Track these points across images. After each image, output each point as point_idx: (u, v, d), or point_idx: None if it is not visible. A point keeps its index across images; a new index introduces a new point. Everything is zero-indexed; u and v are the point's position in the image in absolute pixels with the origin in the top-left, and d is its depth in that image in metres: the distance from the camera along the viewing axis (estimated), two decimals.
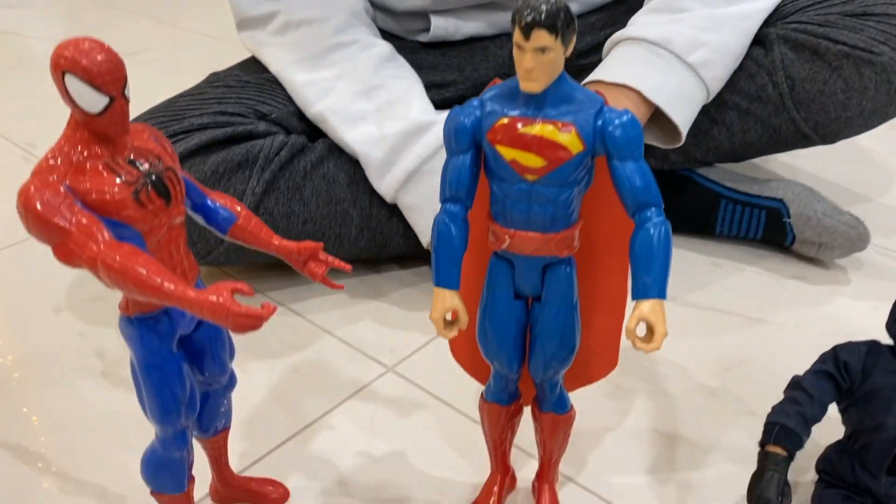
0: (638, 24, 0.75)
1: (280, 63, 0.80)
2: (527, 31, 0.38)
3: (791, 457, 0.50)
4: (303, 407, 0.65)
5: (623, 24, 0.78)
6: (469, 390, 0.66)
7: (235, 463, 0.59)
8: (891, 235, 0.87)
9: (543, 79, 0.39)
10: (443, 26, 0.90)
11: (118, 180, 0.38)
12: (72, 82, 0.36)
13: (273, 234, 0.46)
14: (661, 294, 0.41)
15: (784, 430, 0.50)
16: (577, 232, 0.44)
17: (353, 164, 0.77)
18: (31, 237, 0.37)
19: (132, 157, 0.39)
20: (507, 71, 0.95)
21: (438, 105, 0.94)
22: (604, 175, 0.44)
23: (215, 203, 0.45)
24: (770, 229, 0.83)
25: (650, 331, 0.41)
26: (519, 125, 0.41)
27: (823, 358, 0.52)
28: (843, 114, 0.76)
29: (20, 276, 0.84)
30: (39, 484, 0.58)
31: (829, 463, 0.54)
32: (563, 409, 0.51)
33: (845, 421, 0.52)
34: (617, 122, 0.40)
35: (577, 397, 0.52)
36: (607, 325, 0.52)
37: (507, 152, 0.41)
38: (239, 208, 0.46)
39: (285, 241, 0.47)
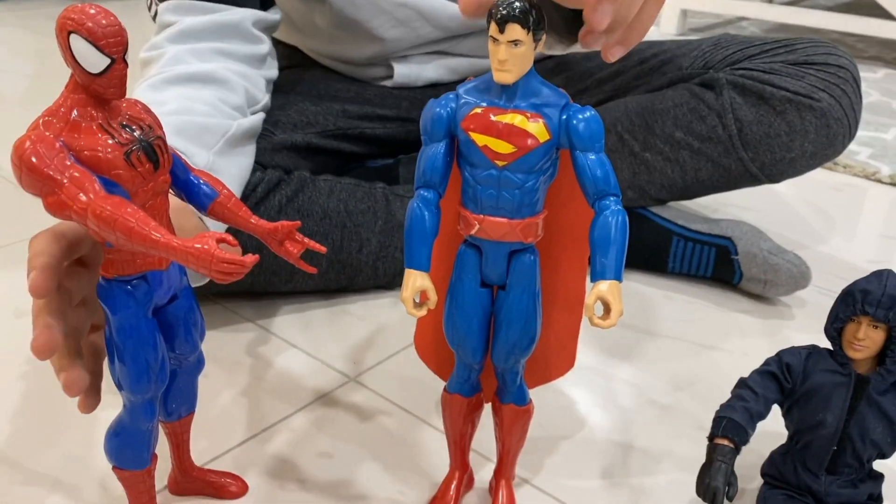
0: None
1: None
2: (501, 25, 0.41)
3: (737, 449, 0.52)
4: (264, 410, 0.66)
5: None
6: (430, 399, 0.68)
7: (194, 458, 0.59)
8: (828, 277, 0.92)
9: (516, 70, 0.43)
10: (405, 73, 0.95)
11: (111, 140, 0.40)
12: (76, 42, 0.38)
13: (251, 214, 0.48)
14: (617, 276, 0.43)
15: (731, 423, 0.52)
16: (541, 221, 0.47)
17: (326, 196, 0.80)
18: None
19: (125, 123, 0.41)
20: None
21: (403, 139, 0.98)
22: (566, 174, 0.47)
23: (198, 179, 0.47)
24: (719, 266, 0.87)
25: (607, 309, 0.43)
26: (491, 115, 0.44)
27: (768, 361, 0.55)
28: (787, 154, 0.81)
29: None
30: None
31: (773, 466, 0.56)
32: (522, 401, 0.53)
33: (788, 422, 0.55)
34: (580, 116, 0.44)
35: (534, 407, 0.54)
36: (566, 323, 0.54)
37: (479, 139, 0.44)
38: (220, 187, 0.47)
39: (262, 221, 0.48)
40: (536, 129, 0.44)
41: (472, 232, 0.47)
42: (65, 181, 0.38)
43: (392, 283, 0.85)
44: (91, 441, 0.61)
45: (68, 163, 0.39)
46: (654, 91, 0.90)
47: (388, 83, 0.96)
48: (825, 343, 0.53)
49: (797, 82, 0.80)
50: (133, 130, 0.41)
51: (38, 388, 0.68)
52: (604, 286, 0.43)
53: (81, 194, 0.38)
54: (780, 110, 0.80)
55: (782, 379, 0.54)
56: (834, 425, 0.52)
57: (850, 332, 0.51)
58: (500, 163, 0.44)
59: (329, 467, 0.60)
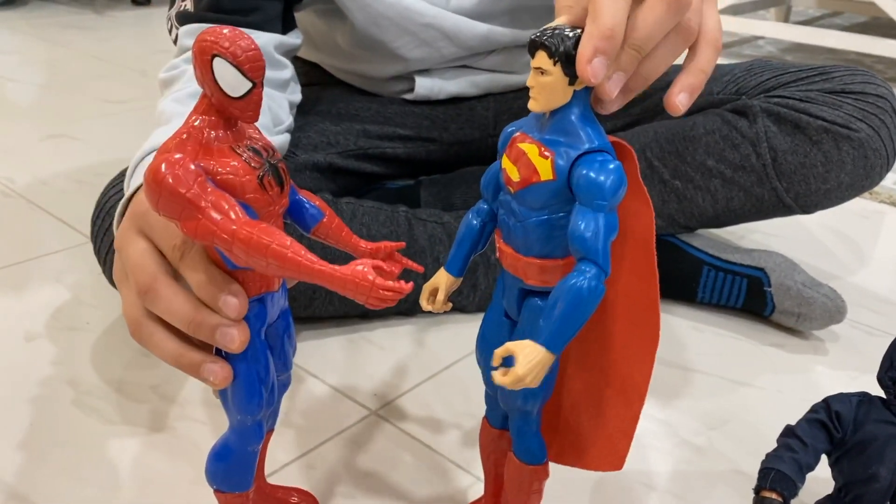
0: None
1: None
2: (532, 50, 0.40)
3: (786, 503, 0.49)
4: (283, 447, 0.64)
5: None
6: (453, 436, 0.65)
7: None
8: (861, 311, 0.90)
9: (541, 99, 0.40)
10: (427, 86, 0.93)
11: (244, 164, 0.39)
12: (220, 66, 0.37)
13: (352, 234, 0.47)
14: (545, 342, 0.38)
15: (779, 475, 0.50)
16: (555, 267, 0.42)
17: (349, 219, 0.78)
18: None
19: (251, 145, 0.41)
20: (492, 133, 0.98)
21: (424, 159, 0.96)
22: (630, 243, 0.44)
23: (305, 199, 0.46)
24: (750, 298, 0.85)
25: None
26: (519, 140, 0.42)
27: (815, 408, 0.53)
28: (823, 186, 0.79)
29: None
30: None
31: None
32: (526, 457, 0.48)
33: (836, 473, 0.52)
34: (586, 170, 0.39)
35: (548, 473, 0.49)
36: (619, 414, 0.48)
37: (505, 160, 0.43)
38: (325, 208, 0.46)
39: (363, 241, 0.47)
40: (542, 165, 0.41)
41: (497, 255, 0.45)
42: (206, 206, 0.37)
43: (413, 309, 0.83)
44: (100, 475, 0.59)
45: (207, 186, 0.38)
46: (684, 116, 0.87)
47: (408, 96, 0.94)
48: (864, 381, 0.51)
49: (834, 111, 0.78)
50: (259, 153, 0.41)
51: (50, 413, 0.65)
52: (524, 343, 0.38)
53: (226, 220, 0.37)
54: (816, 140, 0.78)
55: (832, 428, 0.51)
56: (888, 479, 0.49)
57: None
58: (510, 188, 0.43)
59: (349, 502, 0.58)
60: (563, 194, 0.41)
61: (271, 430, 0.51)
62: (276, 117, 0.73)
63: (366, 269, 0.36)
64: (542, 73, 0.39)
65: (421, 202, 0.93)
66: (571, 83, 0.39)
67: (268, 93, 0.74)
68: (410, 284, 0.37)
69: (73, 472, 0.60)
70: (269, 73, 0.75)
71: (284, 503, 0.55)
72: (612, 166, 0.39)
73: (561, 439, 0.51)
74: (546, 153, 0.41)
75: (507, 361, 0.39)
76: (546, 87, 0.39)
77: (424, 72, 0.93)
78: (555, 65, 0.39)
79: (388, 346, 0.78)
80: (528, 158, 0.41)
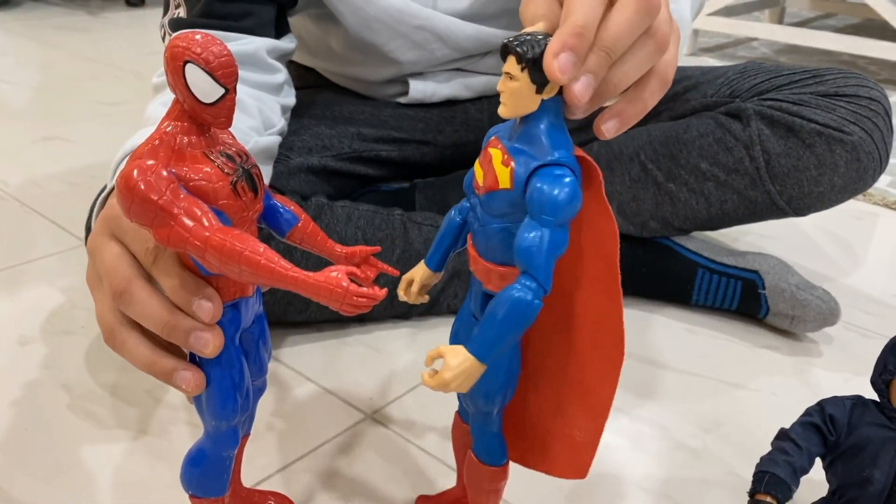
0: None
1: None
2: (503, 54, 0.39)
3: None
4: (277, 452, 0.63)
5: None
6: (448, 439, 0.65)
7: None
8: (855, 313, 0.90)
9: (510, 105, 0.39)
10: (421, 89, 0.93)
11: (217, 170, 0.39)
12: (192, 72, 0.37)
13: (327, 238, 0.47)
14: (476, 351, 0.38)
15: (774, 478, 0.50)
16: (506, 275, 0.42)
17: (344, 223, 0.78)
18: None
19: (224, 151, 0.40)
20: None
21: (419, 162, 0.96)
22: (589, 258, 0.44)
23: (279, 204, 0.46)
24: (745, 300, 0.85)
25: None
26: (491, 145, 0.42)
27: (809, 411, 0.53)
28: (816, 188, 0.79)
29: None
30: None
31: None
32: (486, 457, 0.48)
33: (830, 476, 0.53)
34: (540, 183, 0.38)
35: (507, 475, 0.49)
36: (584, 426, 0.47)
37: (477, 163, 0.43)
38: (300, 213, 0.46)
39: (339, 245, 0.47)
40: (502, 173, 0.40)
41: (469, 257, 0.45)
42: (179, 213, 0.37)
43: (409, 312, 0.83)
44: (98, 470, 0.59)
45: (180, 193, 0.37)
46: (678, 118, 0.88)
47: (402, 99, 0.94)
48: (858, 383, 0.51)
49: (827, 115, 0.78)
50: (233, 158, 0.40)
51: (44, 417, 0.65)
52: (456, 349, 0.38)
53: (199, 227, 0.37)
54: (809, 143, 0.78)
55: (826, 431, 0.51)
56: (882, 482, 0.49)
57: None
58: (478, 191, 0.42)
59: None
60: (521, 205, 0.40)
61: (247, 435, 0.51)
62: (266, 120, 0.73)
63: (339, 276, 0.36)
64: (511, 78, 0.38)
65: (416, 205, 0.93)
66: (539, 91, 0.38)
67: (259, 96, 0.74)
68: (384, 291, 0.37)
69: (67, 476, 0.60)
70: (262, 77, 0.75)
71: None
72: (566, 180, 0.38)
73: (527, 443, 0.50)
74: (509, 161, 0.40)
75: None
76: (514, 92, 0.39)
77: (418, 75, 0.93)
78: (522, 70, 0.38)
79: (384, 349, 0.78)
80: (491, 164, 0.41)
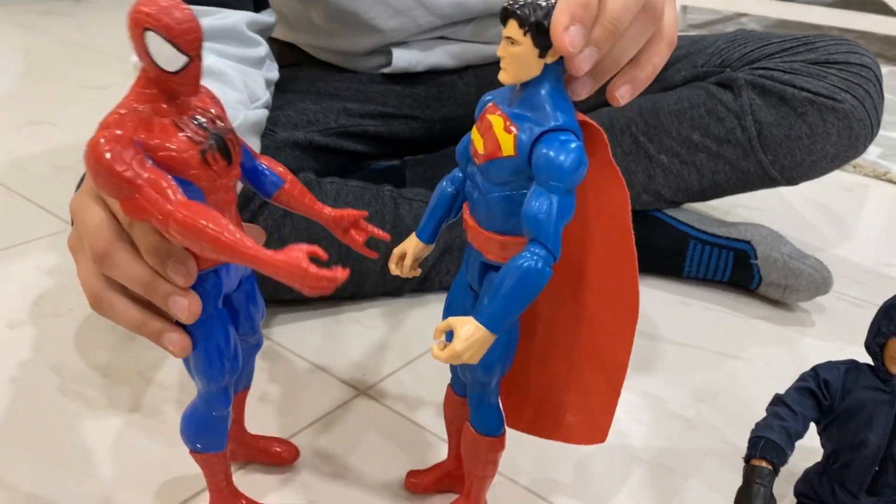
0: None
1: None
2: (503, 19, 0.38)
3: (776, 471, 0.49)
4: (270, 428, 0.63)
5: None
6: (441, 414, 0.65)
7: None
8: (846, 282, 0.90)
9: (511, 70, 0.39)
10: (405, 58, 0.92)
11: (185, 138, 0.38)
12: (153, 39, 0.36)
13: (315, 201, 0.46)
14: (486, 321, 0.38)
15: (769, 443, 0.50)
16: (512, 244, 0.41)
17: (333, 199, 0.77)
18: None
19: (197, 117, 0.39)
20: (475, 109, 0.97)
21: (408, 137, 0.95)
22: (598, 219, 0.43)
23: (264, 167, 0.45)
24: (737, 271, 0.85)
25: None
26: (489, 112, 0.42)
27: (804, 376, 0.53)
28: (808, 157, 0.79)
29: None
30: None
31: (808, 485, 0.54)
32: (482, 428, 0.48)
33: (825, 441, 0.53)
34: (545, 149, 0.38)
35: (504, 445, 0.49)
36: (599, 389, 0.48)
37: (474, 130, 0.42)
38: (286, 174, 0.45)
39: (328, 208, 0.47)
40: (505, 140, 0.40)
41: (464, 226, 0.45)
42: (144, 185, 0.36)
43: (400, 289, 0.82)
44: (90, 451, 0.58)
45: (146, 164, 0.36)
46: (668, 89, 0.87)
47: (387, 70, 0.93)
48: (851, 352, 0.51)
49: (819, 83, 0.77)
50: (204, 124, 0.39)
51: (35, 400, 0.65)
52: (465, 320, 0.38)
53: (163, 200, 0.36)
54: (801, 112, 0.78)
55: (820, 396, 0.51)
56: (876, 445, 0.49)
57: (893, 348, 0.48)
58: (476, 160, 0.42)
59: (337, 483, 0.57)
60: (525, 171, 0.39)
61: (247, 388, 0.51)
62: (252, 93, 0.72)
63: (300, 256, 0.34)
64: (513, 43, 0.38)
65: (406, 182, 0.92)
66: (542, 55, 0.38)
67: (242, 69, 0.73)
68: (346, 271, 0.35)
69: (59, 457, 0.59)
70: (244, 51, 0.74)
71: (266, 451, 0.57)
72: (572, 146, 0.38)
73: (537, 412, 0.50)
74: (511, 128, 0.39)
75: (451, 336, 0.39)
76: (516, 58, 0.38)
77: (402, 44, 0.92)
78: (525, 35, 0.37)
79: (376, 326, 0.78)
80: (493, 132, 0.40)
